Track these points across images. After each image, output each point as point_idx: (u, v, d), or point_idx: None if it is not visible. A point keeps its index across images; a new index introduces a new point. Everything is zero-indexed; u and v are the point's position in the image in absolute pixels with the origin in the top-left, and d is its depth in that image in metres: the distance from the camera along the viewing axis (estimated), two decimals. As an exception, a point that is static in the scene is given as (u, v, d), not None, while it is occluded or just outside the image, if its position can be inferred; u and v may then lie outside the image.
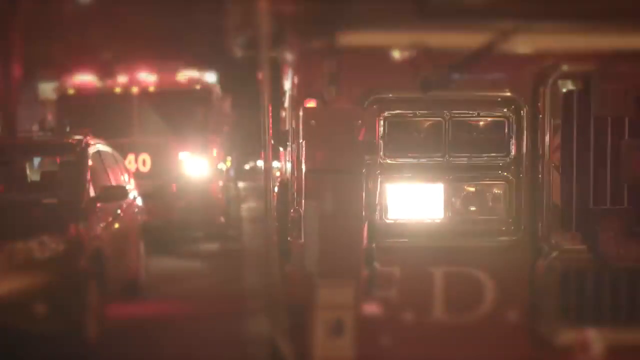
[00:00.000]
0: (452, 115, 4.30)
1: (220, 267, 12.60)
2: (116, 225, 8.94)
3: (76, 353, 7.25)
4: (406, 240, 4.34)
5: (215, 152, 15.11)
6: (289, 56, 4.61)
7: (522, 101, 4.29)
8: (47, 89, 17.64)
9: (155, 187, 13.49)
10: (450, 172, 4.31)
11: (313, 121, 4.02)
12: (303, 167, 4.12)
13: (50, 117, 15.11)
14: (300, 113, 4.14)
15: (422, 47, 4.17)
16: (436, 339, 4.35)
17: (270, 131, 4.57)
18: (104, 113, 14.27)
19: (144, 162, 14.26)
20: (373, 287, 4.21)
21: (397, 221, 4.35)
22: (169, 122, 14.66)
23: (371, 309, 4.17)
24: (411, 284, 4.32)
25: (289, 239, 4.55)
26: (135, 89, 14.70)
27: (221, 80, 16.12)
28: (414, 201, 4.36)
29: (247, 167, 45.22)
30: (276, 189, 5.98)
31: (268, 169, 4.52)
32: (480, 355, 4.34)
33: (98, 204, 8.38)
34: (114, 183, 9.23)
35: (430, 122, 4.34)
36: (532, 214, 4.33)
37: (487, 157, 4.34)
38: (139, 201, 10.45)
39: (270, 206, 4.69)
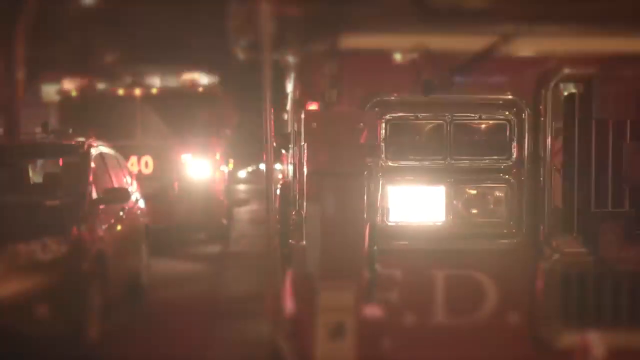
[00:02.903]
0: (454, 117, 4.30)
1: (222, 269, 12.60)
2: (118, 227, 8.95)
3: (78, 355, 7.25)
4: (407, 242, 4.34)
5: (217, 154, 15.11)
6: (291, 59, 4.62)
7: (524, 104, 4.30)
8: (50, 91, 17.64)
9: (157, 189, 13.50)
10: (451, 175, 4.32)
11: (315, 124, 4.03)
12: (305, 169, 4.12)
13: (53, 120, 15.12)
14: (302, 115, 4.14)
15: (423, 50, 4.18)
16: (437, 341, 4.35)
17: (272, 134, 4.57)
18: (107, 115, 14.28)
19: (146, 164, 14.27)
20: (374, 290, 4.21)
21: (399, 224, 4.35)
22: (172, 125, 14.67)
23: (372, 311, 4.17)
24: (412, 286, 4.32)
25: (290, 241, 4.56)
26: (138, 91, 14.72)
27: (224, 83, 16.12)
28: (415, 204, 4.36)
29: (249, 169, 45.24)
30: (278, 192, 5.98)
31: (270, 172, 4.53)
32: (482, 357, 4.34)
33: (100, 206, 8.39)
34: (116, 185, 9.24)
35: (432, 125, 4.34)
36: (534, 216, 4.33)
37: (489, 159, 4.34)
38: (142, 203, 10.45)
39: (272, 208, 4.70)
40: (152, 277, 10.37)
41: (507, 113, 4.32)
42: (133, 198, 9.88)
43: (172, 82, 14.93)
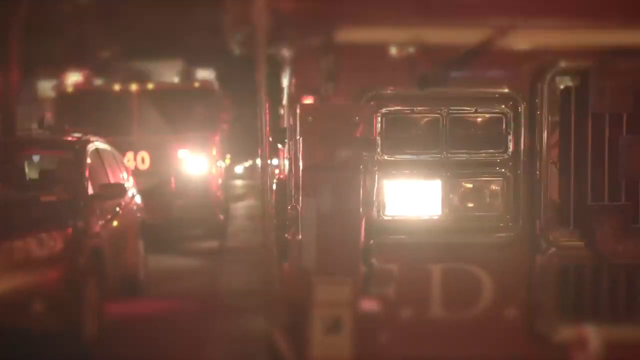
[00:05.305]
0: (450, 111, 4.29)
1: (219, 265, 12.60)
2: (115, 223, 8.94)
3: (75, 351, 7.24)
4: (404, 237, 4.34)
5: (214, 150, 15.10)
6: (286, 53, 4.60)
7: (520, 97, 4.29)
8: (46, 88, 17.64)
9: (154, 185, 13.49)
10: (448, 169, 4.31)
11: (310, 118, 4.02)
12: (300, 164, 4.11)
13: (49, 116, 15.10)
14: (298, 110, 4.13)
15: (419, 44, 4.17)
16: (434, 335, 4.34)
17: (268, 128, 4.56)
18: (103, 111, 14.27)
19: (143, 160, 14.26)
20: (371, 284, 4.20)
21: (395, 218, 4.34)
22: (168, 120, 14.66)
23: (369, 306, 4.16)
24: (409, 280, 4.32)
25: (286, 236, 4.55)
26: (134, 87, 14.70)
27: (220, 78, 16.11)
28: (411, 198, 4.35)
29: (246, 164, 45.25)
30: (274, 187, 5.97)
31: (265, 167, 4.52)
32: (479, 352, 4.34)
33: (97, 202, 8.37)
34: (112, 181, 9.22)
35: (428, 119, 4.33)
36: (530, 210, 4.32)
37: (485, 153, 4.33)
38: (138, 199, 10.44)
39: (268, 204, 4.69)
40: (148, 273, 10.36)
41: (503, 107, 4.31)
42: (129, 194, 9.87)
43: (168, 77, 14.91)
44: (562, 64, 4.25)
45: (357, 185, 4.03)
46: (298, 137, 4.13)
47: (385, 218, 4.33)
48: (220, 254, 13.93)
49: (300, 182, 4.14)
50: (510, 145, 4.32)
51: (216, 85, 15.84)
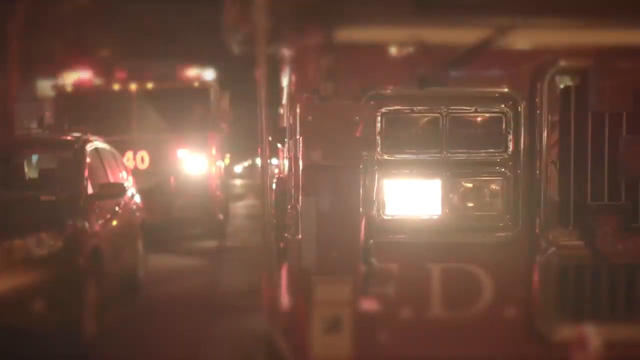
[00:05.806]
0: (450, 111, 4.29)
1: (218, 264, 12.60)
2: (114, 223, 8.94)
3: (74, 351, 7.24)
4: (404, 236, 4.33)
5: (214, 149, 15.10)
6: (286, 52, 4.60)
7: (520, 97, 4.29)
8: (46, 87, 17.62)
9: (153, 185, 13.50)
10: (447, 168, 4.30)
11: (310, 117, 4.02)
12: (300, 163, 4.11)
13: (48, 115, 15.10)
14: (298, 109, 4.13)
15: (419, 43, 4.17)
16: (434, 335, 4.34)
17: (268, 128, 4.56)
18: (103, 110, 14.28)
19: (142, 160, 14.26)
20: (371, 284, 4.20)
21: (395, 217, 4.34)
22: (168, 120, 14.66)
23: (369, 305, 4.16)
24: (409, 280, 4.31)
25: (286, 235, 4.55)
26: (133, 86, 14.70)
27: (219, 77, 16.10)
28: (411, 197, 4.35)
29: (245, 164, 45.26)
30: (274, 186, 5.97)
31: (265, 166, 4.51)
32: (478, 351, 4.34)
33: (96, 202, 8.38)
34: (112, 180, 9.23)
35: (427, 118, 4.33)
36: (530, 209, 4.32)
37: (485, 153, 4.33)
38: (137, 198, 10.45)
39: (268, 203, 4.68)
40: (148, 272, 10.37)
41: (502, 106, 4.31)
42: (129, 193, 9.88)
43: (168, 76, 14.91)
44: (562, 63, 4.25)
45: (357, 184, 4.03)
46: (298, 137, 4.13)
47: (385, 218, 4.33)
48: (219, 253, 13.93)
49: (300, 182, 4.14)
50: (510, 145, 4.32)
51: (216, 84, 15.83)
